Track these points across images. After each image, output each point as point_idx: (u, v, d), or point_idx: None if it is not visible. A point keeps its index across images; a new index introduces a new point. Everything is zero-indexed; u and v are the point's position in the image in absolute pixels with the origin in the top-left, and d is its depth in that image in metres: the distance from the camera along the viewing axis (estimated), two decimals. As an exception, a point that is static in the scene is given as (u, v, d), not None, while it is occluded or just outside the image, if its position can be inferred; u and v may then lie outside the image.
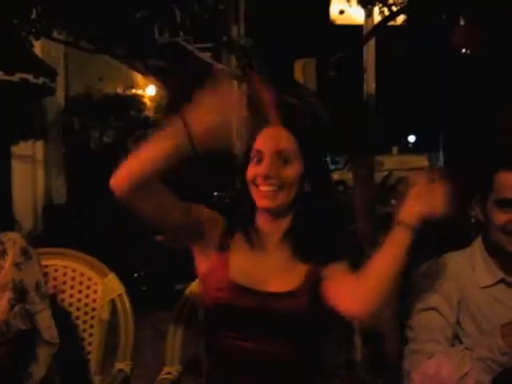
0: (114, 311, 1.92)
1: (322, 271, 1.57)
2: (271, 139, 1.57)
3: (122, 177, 1.40)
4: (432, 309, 1.63)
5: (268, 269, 1.58)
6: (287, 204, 1.56)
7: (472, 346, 1.50)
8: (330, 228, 1.63)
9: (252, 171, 1.57)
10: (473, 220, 1.69)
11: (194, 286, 1.86)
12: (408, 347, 1.65)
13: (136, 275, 5.14)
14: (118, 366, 1.85)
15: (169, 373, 1.83)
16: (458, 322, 1.62)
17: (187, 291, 1.89)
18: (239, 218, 1.63)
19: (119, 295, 1.92)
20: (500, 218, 1.57)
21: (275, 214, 1.59)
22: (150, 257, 5.11)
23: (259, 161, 1.56)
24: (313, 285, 1.55)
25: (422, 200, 1.42)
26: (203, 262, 1.61)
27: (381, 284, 1.43)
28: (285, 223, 1.60)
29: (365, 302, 1.45)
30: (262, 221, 1.61)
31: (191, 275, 1.79)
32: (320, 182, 1.62)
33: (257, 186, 1.55)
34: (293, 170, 1.55)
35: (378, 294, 1.44)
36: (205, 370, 1.72)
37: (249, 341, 1.52)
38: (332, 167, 30.74)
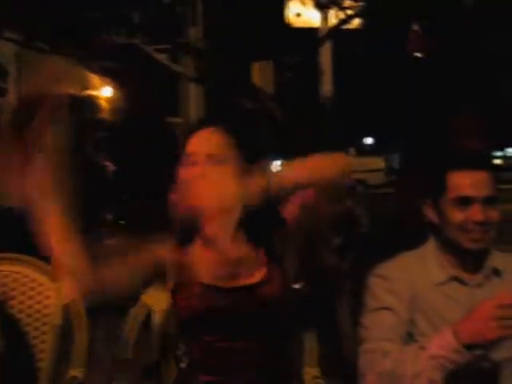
0: (67, 317, 1.88)
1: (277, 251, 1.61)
2: (204, 139, 1.58)
3: (92, 290, 1.42)
4: (385, 308, 1.65)
5: (233, 264, 1.57)
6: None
7: (425, 344, 1.52)
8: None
9: (184, 174, 1.57)
10: (427, 220, 1.71)
11: (151, 292, 1.85)
12: (362, 346, 1.65)
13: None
14: (71, 372, 1.82)
15: (123, 377, 1.82)
16: (411, 321, 1.64)
17: (144, 297, 1.87)
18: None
19: (73, 300, 1.88)
20: (457, 216, 1.59)
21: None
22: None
23: (193, 163, 1.55)
24: (277, 267, 1.59)
25: None
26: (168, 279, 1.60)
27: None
28: (233, 218, 1.57)
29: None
30: (211, 222, 1.57)
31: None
32: None
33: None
34: (228, 170, 1.53)
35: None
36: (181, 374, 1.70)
37: (229, 340, 1.52)
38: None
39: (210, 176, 1.50)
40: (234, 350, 1.52)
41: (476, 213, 1.58)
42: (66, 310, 1.88)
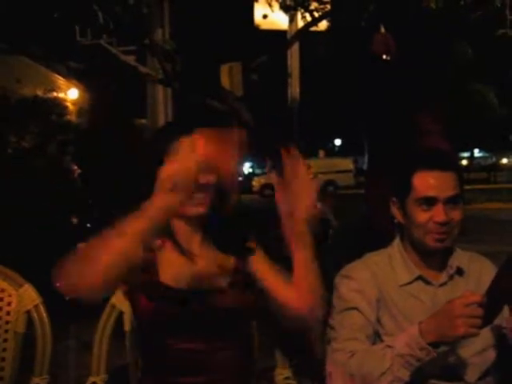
0: (30, 323, 1.83)
1: (249, 263, 1.62)
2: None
3: (91, 280, 1.23)
4: (352, 308, 1.66)
5: (199, 269, 1.58)
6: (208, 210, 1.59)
7: (392, 342, 1.53)
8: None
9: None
10: (396, 220, 1.73)
11: (120, 294, 1.82)
12: (330, 346, 1.66)
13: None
14: (34, 380, 1.77)
15: (94, 382, 1.79)
16: (378, 321, 1.65)
17: (113, 299, 1.84)
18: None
19: (35, 306, 1.83)
20: (421, 216, 1.61)
21: (194, 221, 1.60)
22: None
23: None
24: (244, 277, 1.59)
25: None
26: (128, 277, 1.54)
27: (312, 282, 1.55)
28: (203, 223, 1.62)
29: (308, 300, 1.54)
30: (179, 225, 1.60)
31: None
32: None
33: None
34: (213, 178, 1.56)
35: (314, 290, 1.55)
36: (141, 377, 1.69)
37: (190, 342, 1.51)
38: (259, 171, 31.08)
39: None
40: (195, 351, 1.52)
41: (438, 213, 1.60)
42: (29, 316, 1.84)
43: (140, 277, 1.54)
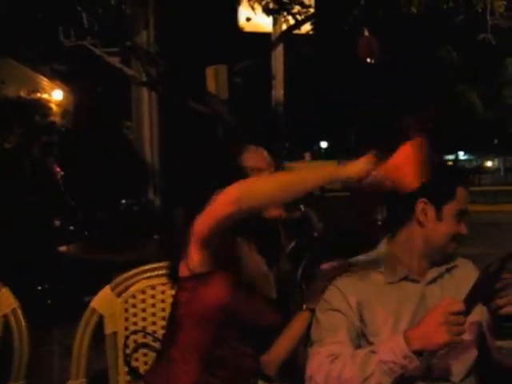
0: (6, 328, 1.81)
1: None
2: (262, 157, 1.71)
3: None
4: (335, 310, 1.66)
5: (261, 274, 1.67)
6: None
7: (376, 348, 1.53)
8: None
9: None
10: (379, 222, 1.74)
11: (100, 297, 1.81)
12: (311, 349, 1.66)
13: (40, 288, 4.91)
14: (11, 385, 1.75)
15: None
16: (362, 322, 1.66)
17: (93, 303, 1.83)
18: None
19: (13, 310, 1.81)
20: (454, 227, 1.68)
21: None
22: (55, 269, 4.90)
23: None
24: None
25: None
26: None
27: (287, 354, 1.73)
28: None
29: (271, 364, 1.71)
30: None
31: (99, 286, 1.77)
32: None
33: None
34: None
35: (283, 358, 1.73)
36: None
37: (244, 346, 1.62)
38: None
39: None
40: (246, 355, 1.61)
41: (464, 227, 1.70)
42: (6, 320, 1.82)
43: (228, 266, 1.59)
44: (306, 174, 1.50)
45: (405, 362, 1.46)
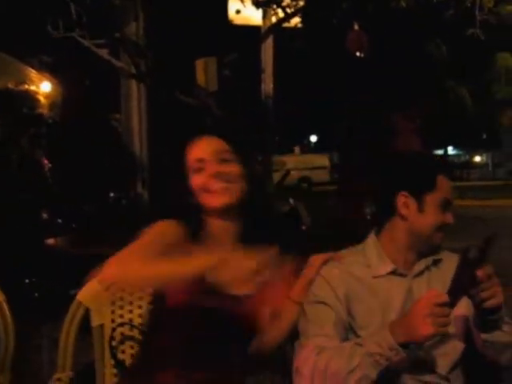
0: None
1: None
2: (205, 146, 1.67)
3: (125, 281, 1.52)
4: (322, 303, 1.67)
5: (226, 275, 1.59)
6: (238, 200, 1.64)
7: (362, 341, 1.54)
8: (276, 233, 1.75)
9: (198, 179, 1.64)
10: (368, 217, 1.75)
11: (87, 290, 1.81)
12: (298, 341, 1.67)
13: (27, 281, 4.88)
14: (-4, 378, 1.75)
15: (59, 379, 1.78)
16: (350, 315, 1.67)
17: (79, 296, 1.82)
18: (193, 226, 1.65)
19: (-4, 303, 1.81)
20: (439, 216, 1.68)
21: (227, 214, 1.65)
22: (42, 262, 4.87)
23: (202, 168, 1.64)
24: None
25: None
26: None
27: (274, 343, 1.75)
28: (237, 225, 1.68)
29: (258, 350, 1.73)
30: (215, 225, 1.66)
31: (86, 279, 1.76)
32: (256, 183, 1.74)
33: (207, 189, 1.62)
34: (235, 167, 1.65)
35: (270, 346, 1.75)
36: None
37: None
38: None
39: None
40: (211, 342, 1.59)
41: (450, 216, 1.70)
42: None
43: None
44: (181, 267, 1.45)
45: (391, 353, 1.47)
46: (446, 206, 1.70)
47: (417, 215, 1.70)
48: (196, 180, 1.66)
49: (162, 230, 1.61)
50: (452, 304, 1.46)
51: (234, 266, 1.39)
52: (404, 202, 1.71)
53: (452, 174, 1.84)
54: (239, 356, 1.67)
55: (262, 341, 1.73)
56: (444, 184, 1.70)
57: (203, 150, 1.68)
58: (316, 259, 1.74)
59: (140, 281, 1.52)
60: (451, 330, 1.61)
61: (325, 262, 1.72)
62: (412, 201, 1.70)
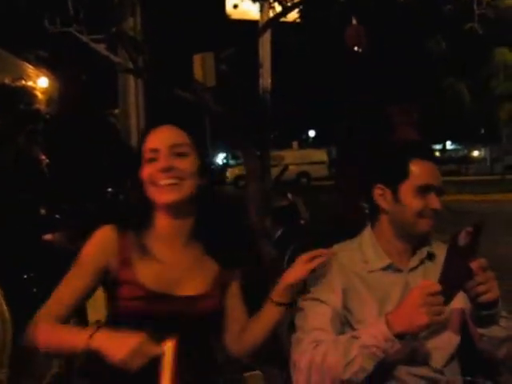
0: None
1: (229, 276, 1.67)
2: (163, 136, 1.59)
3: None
4: (317, 299, 1.67)
5: (177, 272, 1.58)
6: (188, 197, 1.57)
7: (358, 333, 1.54)
8: (233, 226, 1.71)
9: (147, 170, 1.57)
10: (366, 211, 1.74)
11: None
12: (295, 336, 1.67)
13: (25, 277, 4.88)
14: (-6, 374, 1.74)
15: (57, 374, 1.83)
16: (346, 309, 1.67)
17: None
18: (137, 223, 1.62)
19: (-6, 300, 1.80)
20: (417, 203, 1.65)
21: (177, 210, 1.58)
22: (40, 258, 4.86)
23: (154, 159, 1.56)
24: (222, 286, 1.63)
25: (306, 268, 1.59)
26: (108, 276, 1.60)
27: (256, 344, 1.69)
28: (189, 221, 1.61)
29: (241, 351, 1.71)
30: (164, 221, 1.60)
31: None
32: (213, 177, 1.69)
33: (155, 183, 1.54)
34: (190, 162, 1.58)
35: (253, 347, 1.70)
36: None
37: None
38: (233, 162, 31.02)
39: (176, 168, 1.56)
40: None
41: (434, 201, 1.66)
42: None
43: (119, 275, 1.56)
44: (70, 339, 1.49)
45: (387, 345, 1.47)
46: (425, 190, 1.66)
47: (394, 205, 1.70)
48: (145, 171, 1.58)
49: (92, 251, 1.61)
50: (448, 297, 1.45)
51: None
52: (381, 194, 1.72)
53: (432, 156, 1.76)
54: (195, 359, 1.59)
55: (236, 342, 1.69)
56: (419, 169, 1.67)
57: (160, 140, 1.59)
58: (300, 261, 1.62)
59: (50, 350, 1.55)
60: (448, 323, 1.62)
61: (311, 260, 1.61)
62: (388, 192, 1.70)
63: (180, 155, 1.57)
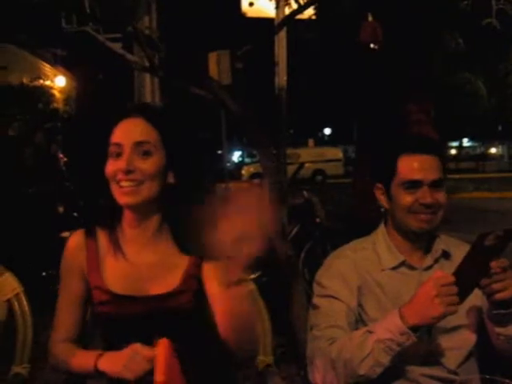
0: (10, 312, 1.82)
1: (203, 267, 1.55)
2: (128, 130, 1.50)
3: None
4: (332, 296, 1.67)
5: (145, 270, 1.53)
6: (151, 198, 1.50)
7: (372, 328, 1.54)
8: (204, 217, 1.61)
9: (112, 167, 1.49)
10: (382, 209, 1.74)
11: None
12: (311, 333, 1.67)
13: (44, 274, 4.94)
14: (15, 369, 1.76)
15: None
16: (361, 307, 1.66)
17: None
18: (101, 222, 1.58)
19: (16, 295, 1.82)
20: (406, 199, 1.64)
21: (140, 210, 1.52)
22: (58, 255, 4.92)
23: (118, 155, 1.48)
24: (195, 279, 1.54)
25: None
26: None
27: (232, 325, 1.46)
28: (154, 219, 1.55)
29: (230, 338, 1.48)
30: (129, 220, 1.55)
31: None
32: (187, 172, 1.56)
33: (117, 182, 1.48)
34: (154, 163, 1.49)
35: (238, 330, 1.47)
36: None
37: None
38: (248, 160, 31.05)
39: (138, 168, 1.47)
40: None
41: (424, 195, 1.63)
42: (9, 305, 1.83)
43: (90, 280, 1.56)
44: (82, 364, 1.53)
45: (402, 338, 1.46)
46: (413, 186, 1.64)
47: (389, 204, 1.71)
48: (109, 167, 1.50)
49: (65, 261, 1.63)
50: (462, 290, 1.44)
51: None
52: (380, 193, 1.73)
53: (424, 149, 1.68)
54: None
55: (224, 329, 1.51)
56: (404, 164, 1.66)
57: (125, 134, 1.49)
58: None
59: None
60: (464, 322, 1.60)
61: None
62: (384, 190, 1.72)
63: (144, 154, 1.48)
